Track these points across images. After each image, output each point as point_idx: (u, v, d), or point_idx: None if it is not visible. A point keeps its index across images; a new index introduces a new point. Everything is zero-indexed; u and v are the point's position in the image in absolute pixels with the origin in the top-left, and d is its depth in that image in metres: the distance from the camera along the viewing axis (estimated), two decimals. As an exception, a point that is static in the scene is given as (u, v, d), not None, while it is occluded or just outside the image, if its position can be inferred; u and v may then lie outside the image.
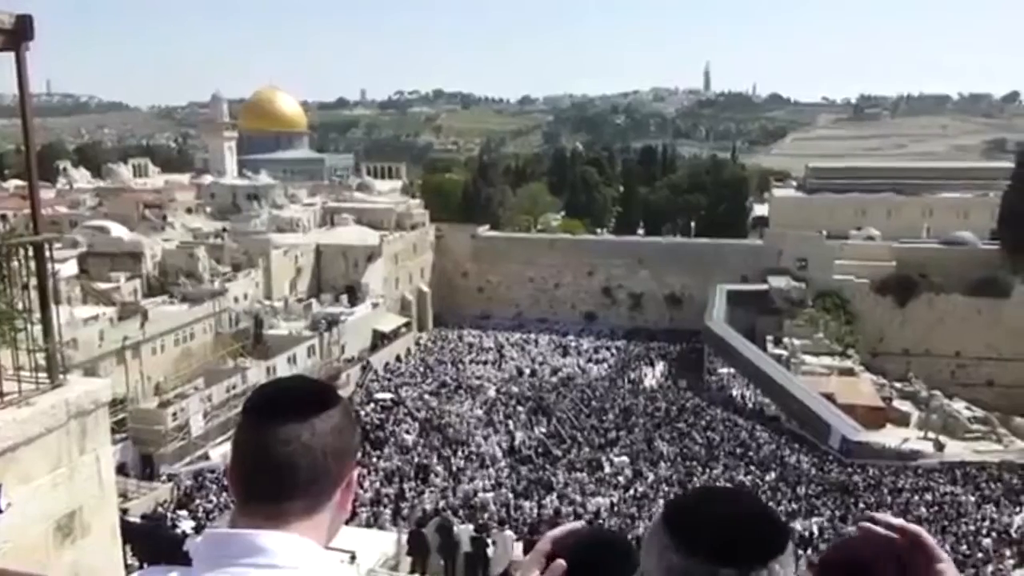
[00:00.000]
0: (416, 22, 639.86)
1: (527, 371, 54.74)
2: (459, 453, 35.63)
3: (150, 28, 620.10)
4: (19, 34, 4.46)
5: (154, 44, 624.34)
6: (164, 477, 33.85)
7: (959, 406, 45.98)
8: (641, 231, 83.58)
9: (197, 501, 29.21)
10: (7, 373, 4.47)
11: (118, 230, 55.33)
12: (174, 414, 36.70)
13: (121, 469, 31.00)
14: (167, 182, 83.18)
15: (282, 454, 1.50)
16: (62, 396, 4.51)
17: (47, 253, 4.71)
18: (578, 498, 29.34)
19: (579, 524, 1.56)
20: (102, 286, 48.00)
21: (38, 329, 4.63)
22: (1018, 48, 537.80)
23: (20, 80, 4.51)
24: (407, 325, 60.38)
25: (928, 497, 31.60)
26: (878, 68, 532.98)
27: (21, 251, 4.57)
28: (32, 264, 4.61)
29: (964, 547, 25.29)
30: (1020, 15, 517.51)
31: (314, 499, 1.54)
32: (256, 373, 41.95)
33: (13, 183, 74.04)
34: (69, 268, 46.63)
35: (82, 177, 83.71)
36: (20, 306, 4.54)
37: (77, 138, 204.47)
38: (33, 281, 4.64)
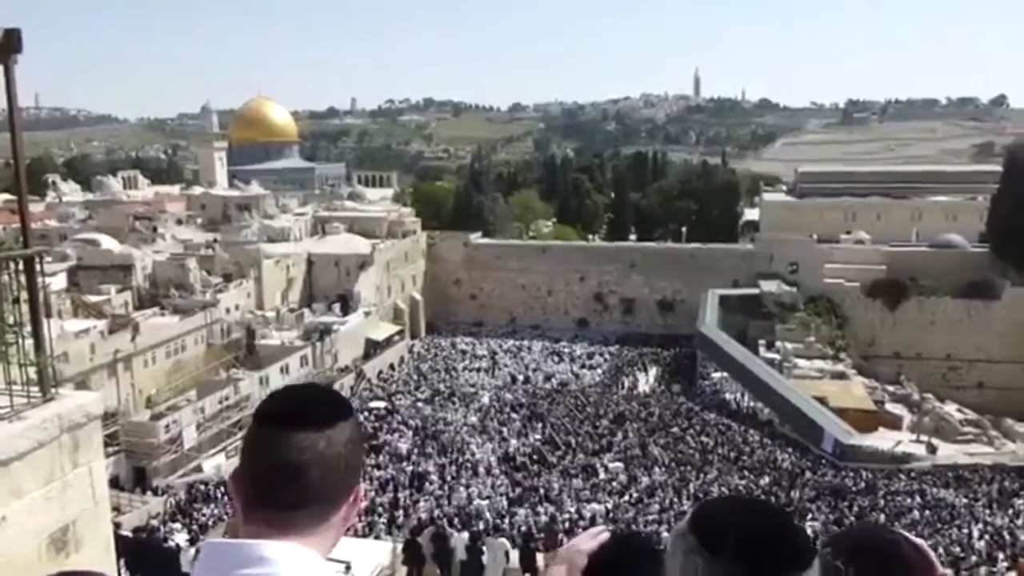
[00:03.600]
0: (406, 31, 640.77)
1: (520, 378, 54.74)
2: (454, 461, 35.56)
3: (138, 41, 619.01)
4: (7, 47, 4.46)
5: (143, 56, 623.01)
6: (157, 490, 33.70)
7: (951, 409, 46.14)
8: (633, 236, 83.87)
9: (191, 514, 29.07)
10: (-2, 387, 4.46)
11: (108, 242, 55.19)
12: (166, 426, 36.54)
13: (114, 482, 30.83)
14: (157, 194, 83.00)
15: (297, 462, 1.50)
16: (54, 410, 4.49)
17: (38, 267, 4.70)
18: (572, 506, 29.30)
19: (603, 532, 1.57)
20: (92, 299, 47.85)
21: (29, 343, 4.62)
22: (1005, 52, 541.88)
23: (8, 93, 4.51)
24: (400, 333, 60.33)
25: (920, 500, 31.68)
26: (866, 73, 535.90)
27: (11, 265, 4.56)
28: (22, 278, 4.60)
29: (958, 549, 25.35)
30: (1006, 19, 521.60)
31: (323, 510, 1.54)
32: (248, 384, 41.83)
33: (2, 197, 73.77)
34: (59, 281, 46.54)
35: (71, 190, 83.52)
36: (11, 320, 4.53)
37: (66, 151, 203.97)
38: (24, 295, 4.63)
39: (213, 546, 1.52)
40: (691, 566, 1.25)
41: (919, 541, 1.59)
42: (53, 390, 4.62)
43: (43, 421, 4.38)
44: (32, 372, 4.58)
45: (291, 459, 1.50)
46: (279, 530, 1.49)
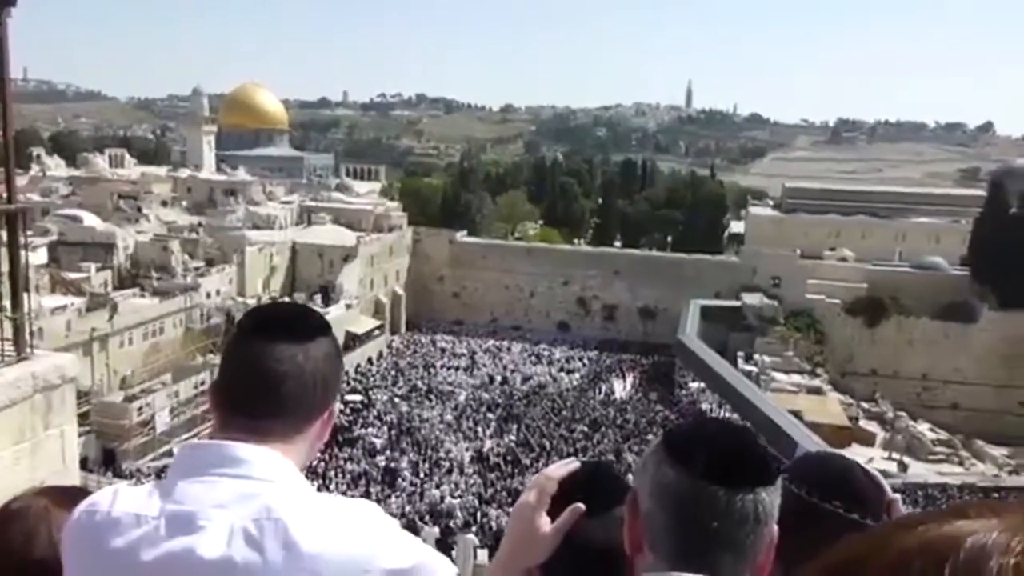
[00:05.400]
0: (401, 25, 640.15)
1: (499, 378, 54.64)
2: (428, 458, 35.47)
3: (131, 18, 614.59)
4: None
5: (135, 34, 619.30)
6: (127, 473, 33.37)
7: (924, 428, 46.57)
8: (618, 243, 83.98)
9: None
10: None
11: (91, 220, 54.58)
12: (139, 409, 36.22)
13: (83, 463, 30.47)
14: (143, 174, 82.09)
15: (274, 371, 1.53)
16: (28, 369, 4.41)
17: (20, 224, 4.61)
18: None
19: (573, 461, 1.63)
20: (72, 276, 47.27)
21: (6, 302, 4.54)
22: (992, 80, 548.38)
23: (0, 46, 4.43)
24: (380, 328, 60.11)
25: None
26: (857, 93, 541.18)
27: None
28: (3, 234, 4.52)
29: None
30: (995, 49, 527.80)
31: (297, 421, 1.56)
32: (225, 370, 41.47)
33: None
34: (39, 256, 45.96)
35: (56, 165, 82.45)
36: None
37: (53, 126, 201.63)
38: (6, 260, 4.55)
39: (189, 446, 1.55)
40: (661, 478, 1.29)
41: (871, 469, 1.70)
42: (28, 349, 4.54)
43: (16, 379, 4.30)
44: (8, 330, 4.50)
45: (269, 368, 1.53)
46: (254, 435, 1.51)
